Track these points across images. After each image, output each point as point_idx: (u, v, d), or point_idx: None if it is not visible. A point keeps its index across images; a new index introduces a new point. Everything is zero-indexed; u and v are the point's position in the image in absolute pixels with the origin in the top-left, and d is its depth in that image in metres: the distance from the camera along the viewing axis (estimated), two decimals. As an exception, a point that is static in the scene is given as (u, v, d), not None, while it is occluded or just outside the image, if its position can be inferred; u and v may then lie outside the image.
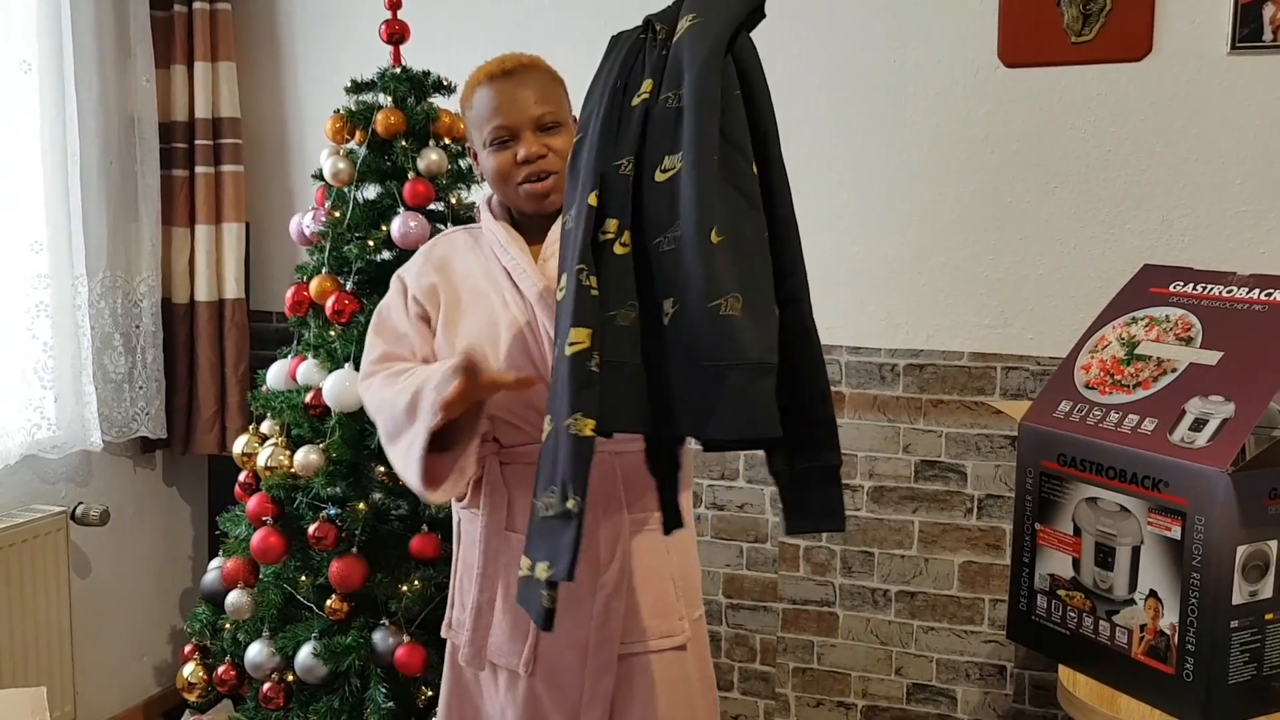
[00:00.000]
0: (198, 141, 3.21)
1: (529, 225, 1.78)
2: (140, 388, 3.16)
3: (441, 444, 1.58)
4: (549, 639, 1.71)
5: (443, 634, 1.86)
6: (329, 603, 2.36)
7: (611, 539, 1.71)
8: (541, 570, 1.34)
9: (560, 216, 1.52)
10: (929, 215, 2.76)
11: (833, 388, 2.81)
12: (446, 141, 2.52)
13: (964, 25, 2.68)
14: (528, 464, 1.67)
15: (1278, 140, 2.49)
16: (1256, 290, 1.74)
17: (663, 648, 1.76)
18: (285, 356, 2.59)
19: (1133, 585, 1.71)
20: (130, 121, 3.10)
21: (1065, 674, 1.86)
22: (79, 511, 2.97)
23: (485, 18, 3.08)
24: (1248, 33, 2.47)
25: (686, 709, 1.77)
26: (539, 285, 1.68)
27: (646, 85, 1.37)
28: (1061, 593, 1.84)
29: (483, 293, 1.74)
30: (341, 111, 2.53)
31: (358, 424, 2.38)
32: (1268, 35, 2.46)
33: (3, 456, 2.78)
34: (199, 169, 3.21)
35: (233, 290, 3.27)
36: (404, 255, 2.32)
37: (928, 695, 2.87)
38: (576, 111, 1.77)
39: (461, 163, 2.55)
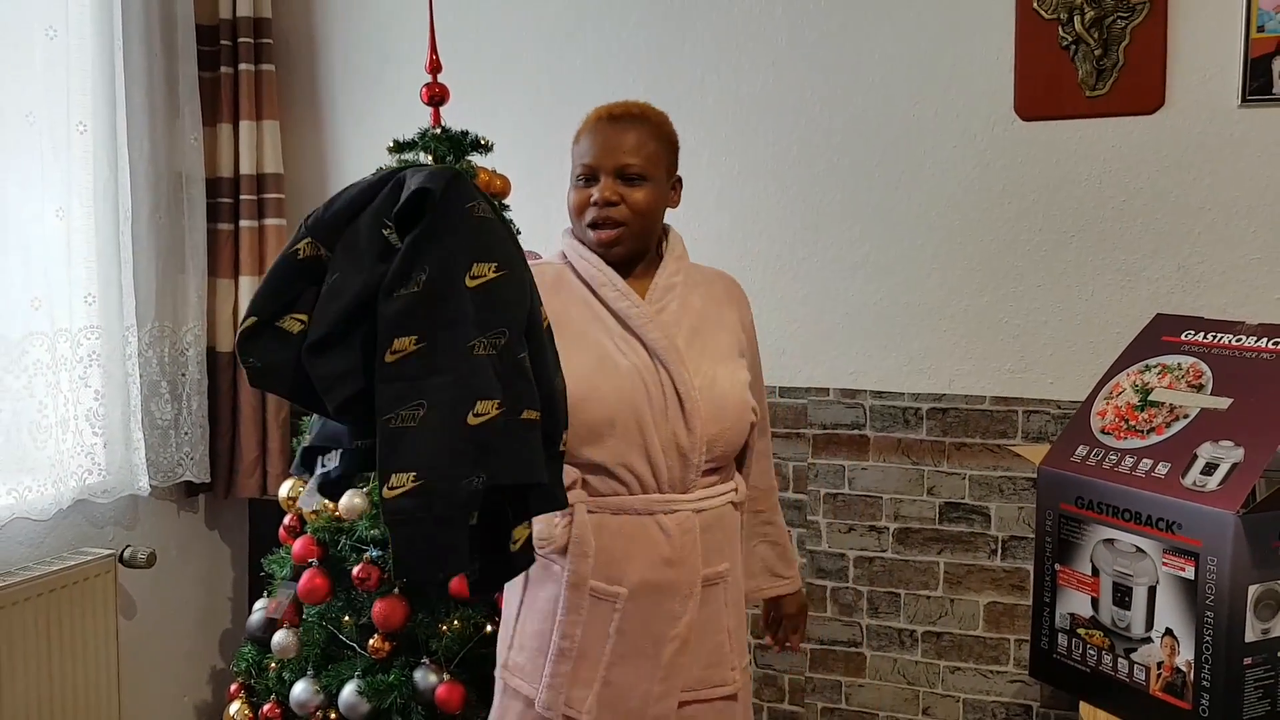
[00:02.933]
0: (242, 196, 3.33)
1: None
2: (185, 433, 3.27)
3: None
4: (614, 686, 1.72)
5: (499, 676, 1.84)
6: (371, 642, 2.44)
7: (686, 594, 1.75)
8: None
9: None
10: (949, 264, 2.84)
11: (858, 431, 2.91)
12: (484, 197, 2.62)
13: (981, 81, 2.77)
14: (616, 514, 1.72)
15: (1288, 190, 2.56)
16: (1264, 339, 1.81)
17: (714, 697, 1.81)
18: (328, 403, 2.68)
19: (1149, 624, 1.77)
20: (178, 178, 3.22)
21: (1086, 710, 1.92)
22: (127, 554, 3.06)
23: (522, 80, 3.21)
24: (1258, 86, 2.55)
25: None
26: (663, 339, 1.74)
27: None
28: (1081, 631, 1.90)
29: (588, 336, 1.75)
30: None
31: (399, 469, 2.47)
32: (1277, 88, 2.53)
33: (56, 501, 2.88)
34: (243, 223, 3.33)
35: (275, 339, 3.37)
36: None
37: (954, 734, 2.92)
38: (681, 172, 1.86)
39: (500, 217, 2.66)
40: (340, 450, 1.36)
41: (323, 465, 1.39)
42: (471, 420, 1.23)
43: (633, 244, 1.78)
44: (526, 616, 1.79)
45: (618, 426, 1.68)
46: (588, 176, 1.76)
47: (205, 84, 3.29)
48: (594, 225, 1.76)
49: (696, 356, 1.77)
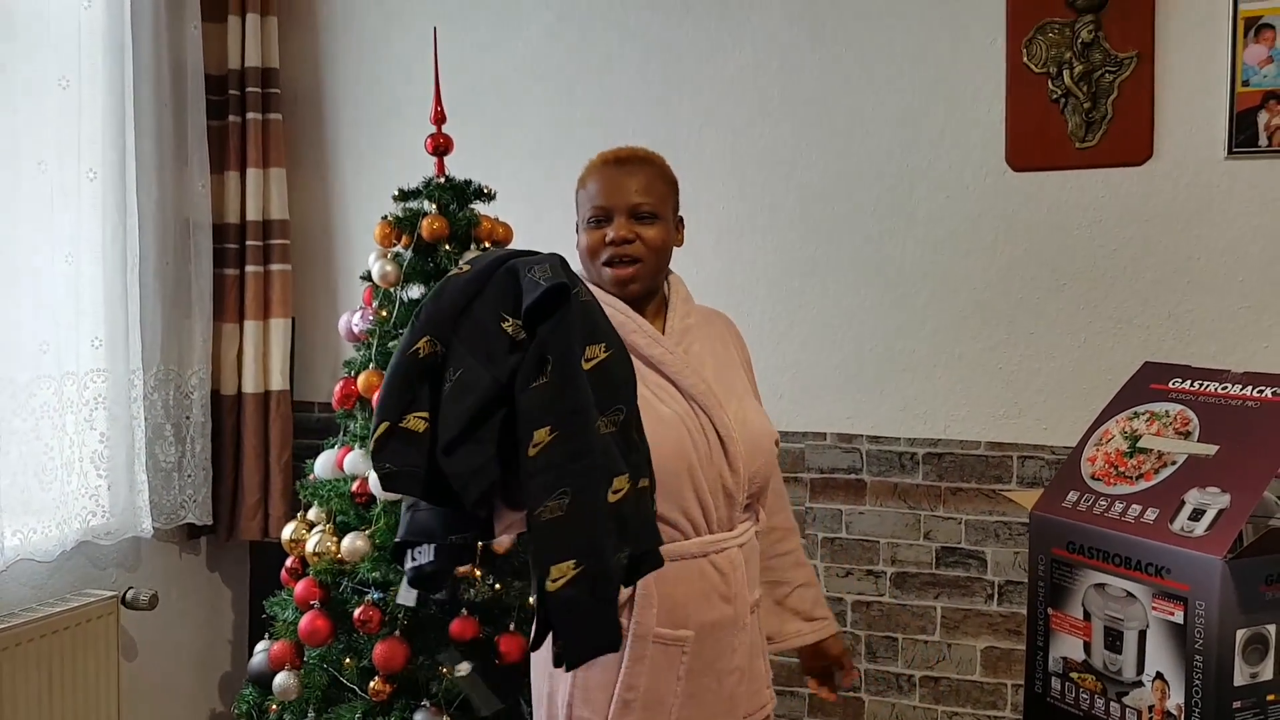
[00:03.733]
0: (249, 242, 3.38)
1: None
2: (188, 476, 3.29)
3: None
4: None
5: None
6: (372, 684, 2.46)
7: (742, 626, 1.79)
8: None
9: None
10: (944, 311, 2.88)
11: (855, 475, 2.94)
12: (487, 245, 2.67)
13: (973, 133, 2.83)
14: (674, 560, 1.68)
15: (1275, 240, 2.61)
16: (1249, 387, 1.84)
17: (761, 718, 1.87)
18: (331, 447, 2.71)
19: (1140, 667, 1.79)
20: (186, 224, 3.27)
21: (1080, 755, 1.93)
22: (129, 596, 3.08)
23: (523, 130, 3.27)
24: (1244, 138, 2.61)
25: None
26: (700, 383, 1.76)
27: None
28: (1074, 675, 1.92)
29: None
30: (389, 218, 2.69)
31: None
32: (1263, 140, 2.59)
33: (59, 543, 2.91)
34: (249, 268, 3.38)
35: (278, 382, 3.42)
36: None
37: (952, 779, 2.92)
38: (684, 212, 1.90)
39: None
40: (434, 545, 1.39)
41: (413, 558, 1.40)
42: (611, 498, 1.29)
43: (648, 281, 1.81)
44: (589, 669, 1.72)
45: (670, 475, 1.68)
46: (600, 218, 1.78)
47: (213, 132, 3.35)
48: (610, 263, 1.78)
49: (725, 396, 1.80)
